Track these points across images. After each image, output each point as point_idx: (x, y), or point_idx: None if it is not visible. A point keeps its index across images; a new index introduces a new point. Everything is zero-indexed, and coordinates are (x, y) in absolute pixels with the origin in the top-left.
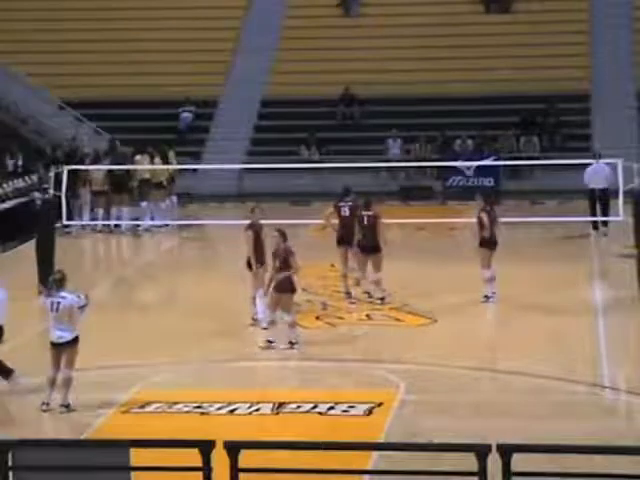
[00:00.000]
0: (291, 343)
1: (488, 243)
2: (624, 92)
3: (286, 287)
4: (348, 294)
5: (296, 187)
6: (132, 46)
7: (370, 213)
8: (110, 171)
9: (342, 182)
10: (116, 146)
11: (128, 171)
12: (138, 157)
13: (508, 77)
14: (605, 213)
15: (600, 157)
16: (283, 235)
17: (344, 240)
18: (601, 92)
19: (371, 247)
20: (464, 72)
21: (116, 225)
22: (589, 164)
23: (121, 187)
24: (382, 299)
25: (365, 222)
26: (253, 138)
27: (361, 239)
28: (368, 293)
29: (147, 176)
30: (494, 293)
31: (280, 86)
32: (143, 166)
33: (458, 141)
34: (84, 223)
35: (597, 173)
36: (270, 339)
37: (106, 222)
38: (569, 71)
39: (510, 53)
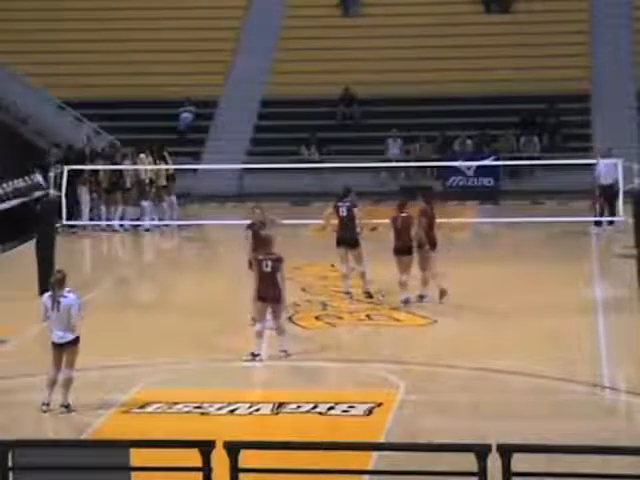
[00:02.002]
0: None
1: (435, 244)
2: (624, 92)
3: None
4: (348, 294)
5: (296, 187)
6: (132, 46)
7: (404, 214)
8: (112, 171)
9: (342, 182)
10: (116, 146)
11: (122, 171)
12: (142, 156)
13: (508, 77)
14: (613, 209)
15: (610, 154)
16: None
17: (343, 240)
18: (601, 92)
19: (403, 249)
20: (464, 72)
21: (120, 225)
22: (592, 163)
23: (116, 187)
24: (406, 301)
25: (399, 224)
26: (253, 138)
27: (395, 241)
28: (368, 293)
29: (148, 175)
30: (428, 294)
31: (280, 86)
32: (142, 166)
33: (458, 140)
34: (86, 223)
35: (608, 169)
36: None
37: (109, 222)
38: (569, 71)
39: (510, 53)
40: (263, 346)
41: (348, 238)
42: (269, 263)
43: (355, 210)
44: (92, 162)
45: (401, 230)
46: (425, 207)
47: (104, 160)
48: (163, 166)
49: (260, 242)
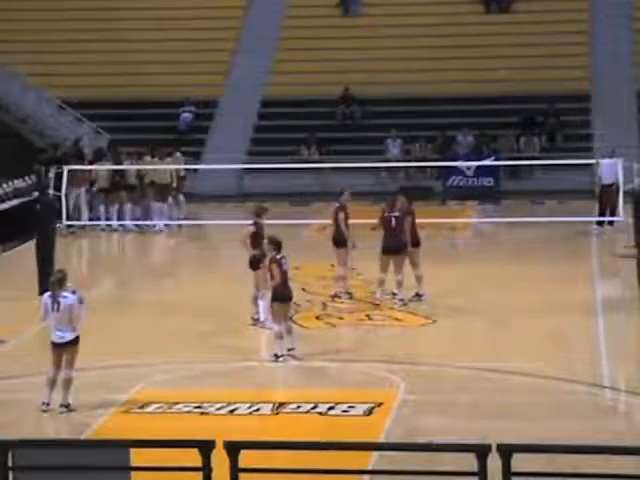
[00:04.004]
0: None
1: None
2: (624, 92)
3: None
4: (348, 294)
5: (296, 187)
6: (132, 46)
7: (397, 214)
8: (115, 170)
9: (342, 182)
10: (115, 146)
11: (124, 170)
12: (148, 158)
13: (508, 77)
14: (614, 209)
15: (614, 154)
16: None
17: (333, 240)
18: (601, 92)
19: (397, 248)
20: (464, 72)
21: (121, 224)
22: (592, 163)
23: (118, 186)
24: (402, 301)
25: (394, 224)
26: (253, 138)
27: (385, 241)
28: (349, 294)
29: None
30: (424, 292)
31: (280, 86)
32: (149, 166)
33: (459, 137)
34: (87, 223)
35: (612, 169)
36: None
37: (107, 222)
38: (569, 71)
39: (510, 53)
40: (284, 346)
41: (335, 238)
42: (285, 262)
43: (339, 212)
44: (88, 161)
45: (395, 229)
46: (408, 206)
47: (105, 160)
48: (166, 166)
49: (261, 241)
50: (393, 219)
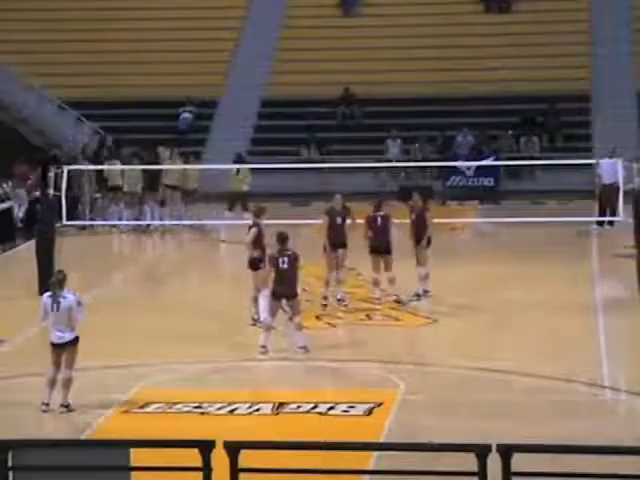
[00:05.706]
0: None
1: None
2: (624, 92)
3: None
4: (325, 301)
5: (296, 187)
6: (132, 46)
7: (382, 214)
8: (144, 170)
9: (342, 182)
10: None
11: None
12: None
13: (508, 77)
14: (614, 209)
15: (615, 153)
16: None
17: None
18: (601, 92)
19: (384, 248)
20: (464, 72)
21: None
22: (592, 163)
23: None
24: (398, 301)
25: (379, 223)
26: (253, 138)
27: (373, 240)
28: (324, 298)
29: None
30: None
31: (280, 86)
32: (165, 166)
33: (459, 137)
34: (85, 223)
35: (612, 169)
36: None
37: (105, 222)
38: (569, 71)
39: (510, 53)
40: (270, 340)
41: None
42: (285, 260)
43: (325, 215)
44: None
45: (381, 229)
46: (423, 205)
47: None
48: (173, 166)
49: (262, 240)
50: (379, 218)
